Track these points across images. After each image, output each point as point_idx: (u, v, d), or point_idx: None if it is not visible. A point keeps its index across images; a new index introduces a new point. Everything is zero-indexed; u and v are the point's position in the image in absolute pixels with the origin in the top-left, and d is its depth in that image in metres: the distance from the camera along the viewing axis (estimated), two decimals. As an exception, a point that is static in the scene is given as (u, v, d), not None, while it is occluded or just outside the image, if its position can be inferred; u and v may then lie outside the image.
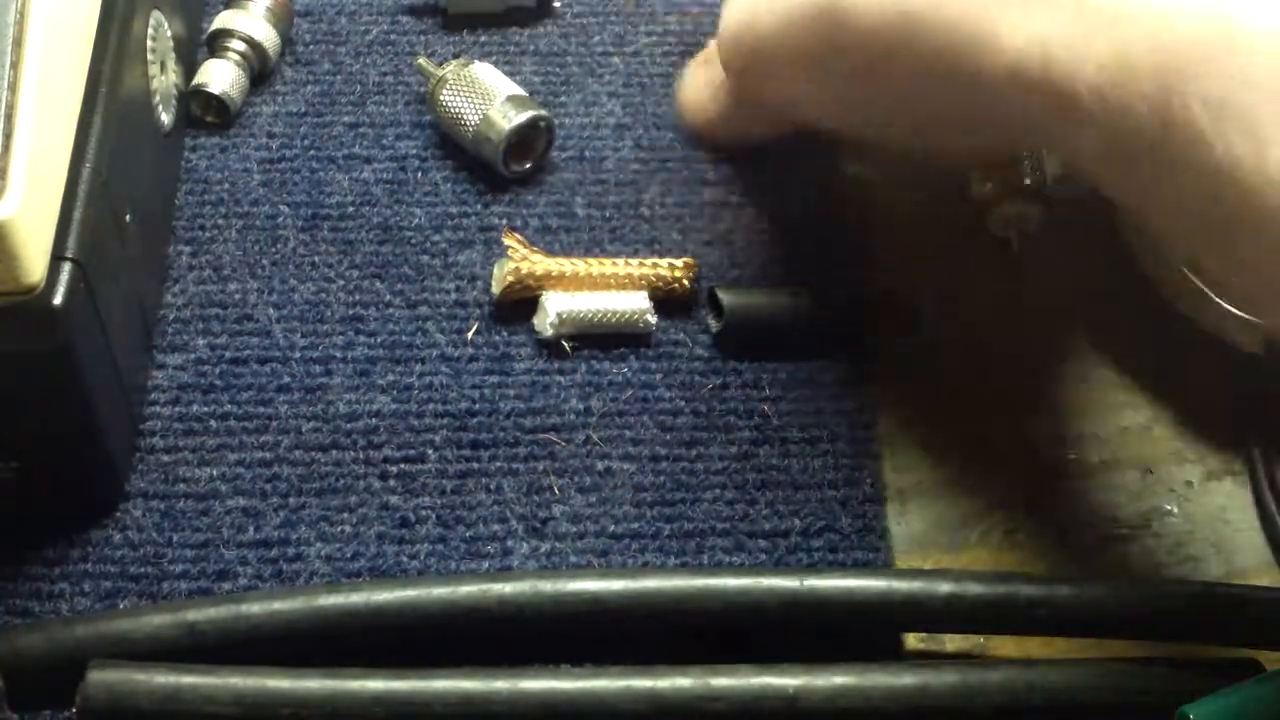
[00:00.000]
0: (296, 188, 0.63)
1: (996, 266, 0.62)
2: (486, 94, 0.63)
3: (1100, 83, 0.43)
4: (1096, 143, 0.45)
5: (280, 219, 0.62)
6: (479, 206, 0.63)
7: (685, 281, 0.60)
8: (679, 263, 0.60)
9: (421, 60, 0.66)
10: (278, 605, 0.49)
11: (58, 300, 0.46)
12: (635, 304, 0.59)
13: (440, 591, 0.50)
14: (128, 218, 0.53)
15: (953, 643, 0.52)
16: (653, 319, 0.59)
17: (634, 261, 0.60)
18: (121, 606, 0.51)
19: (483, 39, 0.69)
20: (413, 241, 0.62)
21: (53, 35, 0.48)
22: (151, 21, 0.58)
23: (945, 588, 0.50)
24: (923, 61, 0.49)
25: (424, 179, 0.64)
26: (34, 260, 0.46)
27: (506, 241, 0.60)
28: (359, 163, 0.64)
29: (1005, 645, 0.52)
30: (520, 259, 0.59)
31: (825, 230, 0.63)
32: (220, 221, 0.62)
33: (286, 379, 0.58)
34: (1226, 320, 0.57)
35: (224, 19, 0.66)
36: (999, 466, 0.57)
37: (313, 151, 0.65)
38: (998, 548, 0.55)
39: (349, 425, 0.56)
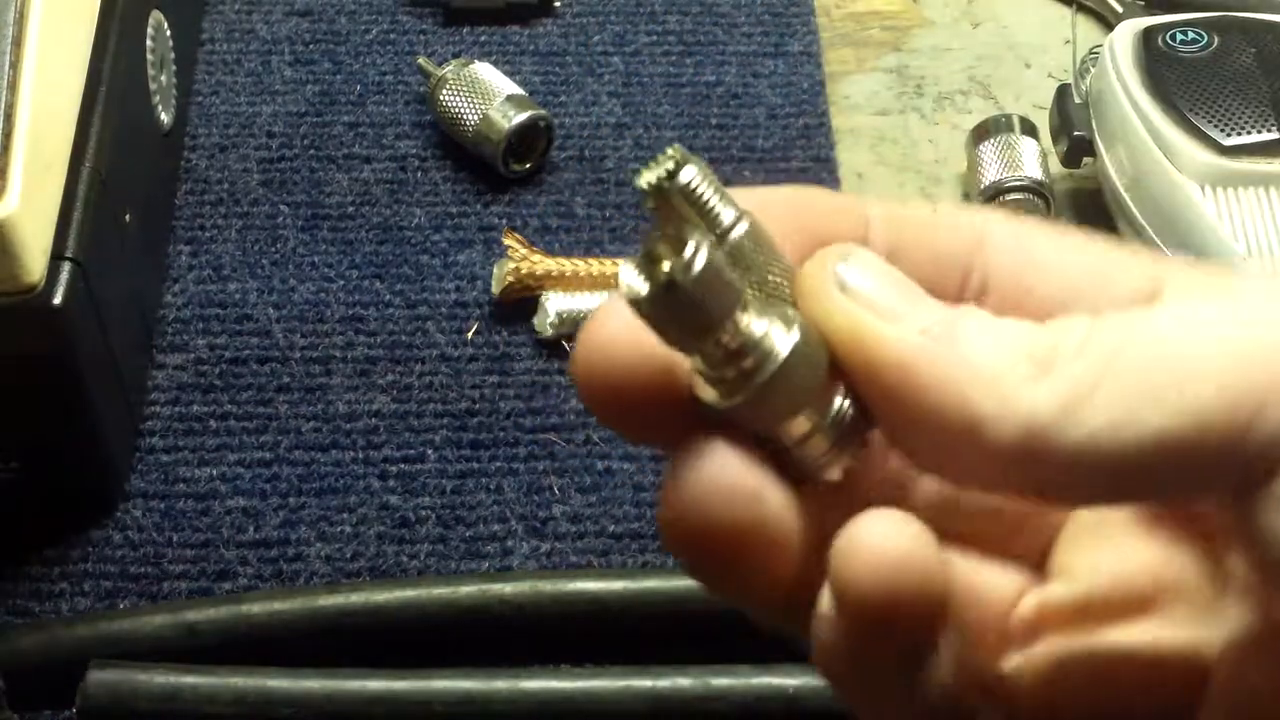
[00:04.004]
0: (296, 187, 0.63)
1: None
2: (486, 94, 0.63)
3: None
4: None
5: (280, 219, 0.62)
6: (479, 206, 0.63)
7: (685, 281, 0.60)
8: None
9: (421, 60, 0.66)
10: (278, 605, 0.49)
11: (57, 300, 0.46)
12: (635, 304, 0.59)
13: (440, 591, 0.49)
14: (128, 217, 0.53)
15: (953, 643, 0.52)
16: (653, 319, 0.59)
17: (634, 261, 0.60)
18: (121, 607, 0.51)
19: (483, 39, 0.69)
20: (412, 241, 0.62)
21: (52, 35, 0.48)
22: (151, 21, 0.58)
23: (945, 588, 0.49)
24: None
25: (424, 179, 0.64)
26: (34, 260, 0.45)
27: (506, 241, 0.60)
28: (359, 162, 0.64)
29: (1005, 645, 0.52)
30: (520, 259, 0.59)
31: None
32: (220, 221, 0.62)
33: (286, 379, 0.58)
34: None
35: None
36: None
37: (313, 151, 0.64)
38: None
39: (349, 425, 0.56)
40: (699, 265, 0.24)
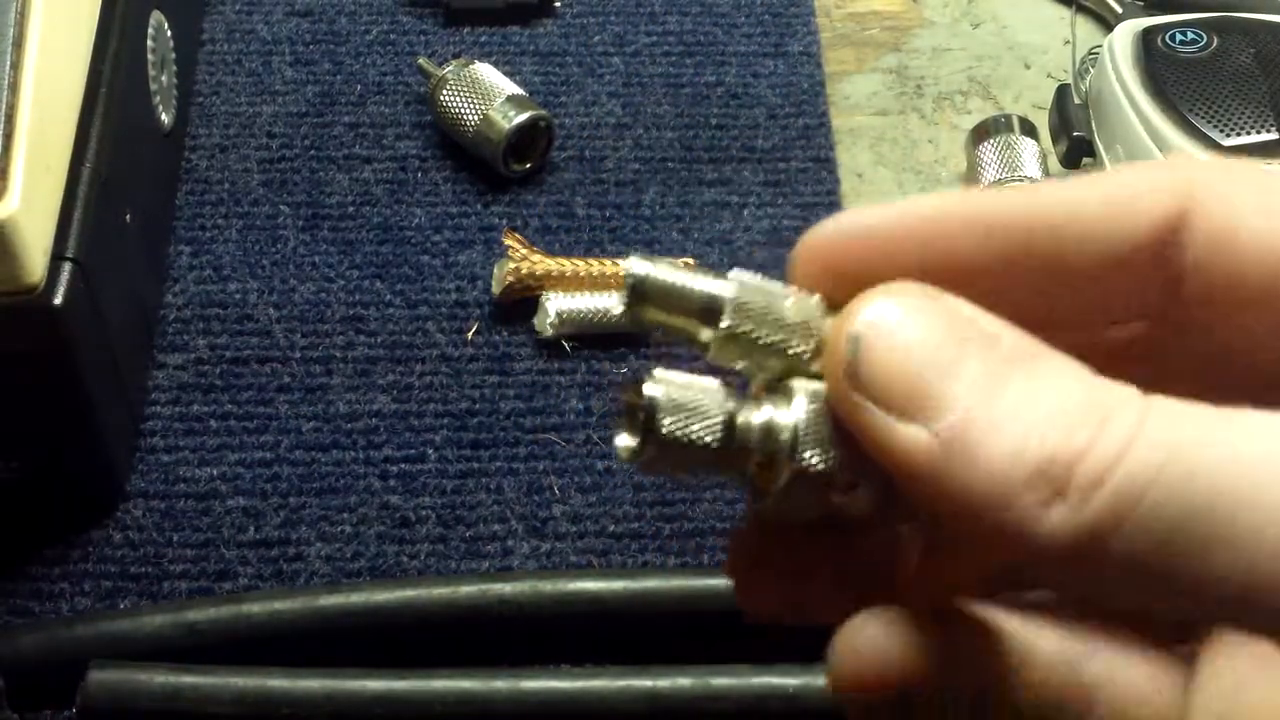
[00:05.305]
0: (297, 188, 0.63)
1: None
2: (486, 94, 0.63)
3: None
4: None
5: (280, 219, 0.62)
6: (479, 206, 0.63)
7: (685, 281, 0.60)
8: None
9: (422, 60, 0.66)
10: (278, 605, 0.49)
11: (58, 300, 0.46)
12: (635, 304, 0.59)
13: (440, 591, 0.50)
14: (128, 218, 0.53)
15: (952, 643, 0.52)
16: (653, 319, 0.59)
17: (634, 261, 0.60)
18: (122, 606, 0.51)
19: (483, 39, 0.69)
20: (413, 241, 0.62)
21: (53, 36, 0.48)
22: (152, 22, 0.58)
23: (945, 588, 0.50)
24: None
25: (424, 179, 0.64)
26: (34, 260, 0.46)
27: (506, 241, 0.60)
28: (359, 163, 0.64)
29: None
30: (520, 259, 0.59)
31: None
32: (220, 221, 0.62)
33: (287, 379, 0.58)
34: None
35: None
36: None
37: (313, 151, 0.65)
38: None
39: (349, 425, 0.56)
40: (661, 426, 0.24)
